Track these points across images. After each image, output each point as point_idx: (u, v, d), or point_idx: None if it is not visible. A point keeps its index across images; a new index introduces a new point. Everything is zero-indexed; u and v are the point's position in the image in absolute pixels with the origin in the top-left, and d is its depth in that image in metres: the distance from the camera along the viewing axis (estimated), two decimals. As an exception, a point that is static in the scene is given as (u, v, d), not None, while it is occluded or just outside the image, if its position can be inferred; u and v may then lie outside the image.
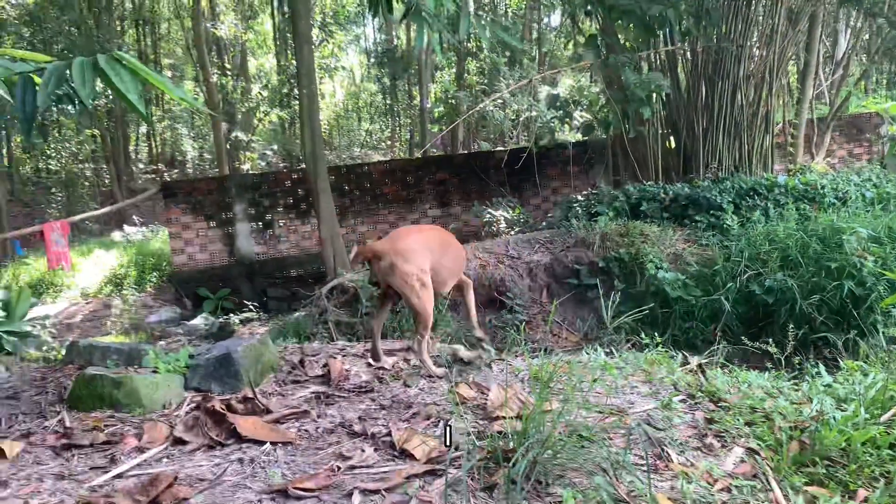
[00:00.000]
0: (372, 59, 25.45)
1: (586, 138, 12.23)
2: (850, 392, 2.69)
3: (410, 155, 23.31)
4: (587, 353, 3.50)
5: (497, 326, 6.66)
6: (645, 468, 2.08)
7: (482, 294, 7.05)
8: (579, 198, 9.28)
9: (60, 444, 2.42)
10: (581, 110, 11.51)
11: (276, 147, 26.41)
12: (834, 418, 2.42)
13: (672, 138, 10.02)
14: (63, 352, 3.44)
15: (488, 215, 10.94)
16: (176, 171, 26.10)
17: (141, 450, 2.37)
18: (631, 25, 8.54)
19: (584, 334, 6.54)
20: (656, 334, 4.01)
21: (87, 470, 2.23)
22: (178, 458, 2.33)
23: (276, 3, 22.43)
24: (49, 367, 3.47)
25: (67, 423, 2.58)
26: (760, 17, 9.29)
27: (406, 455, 2.28)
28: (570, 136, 13.15)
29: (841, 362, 3.39)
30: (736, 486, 2.04)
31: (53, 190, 21.64)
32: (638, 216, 7.95)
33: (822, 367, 3.06)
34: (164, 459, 2.33)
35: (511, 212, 11.17)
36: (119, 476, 2.17)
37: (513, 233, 9.53)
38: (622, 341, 5.49)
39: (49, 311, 9.98)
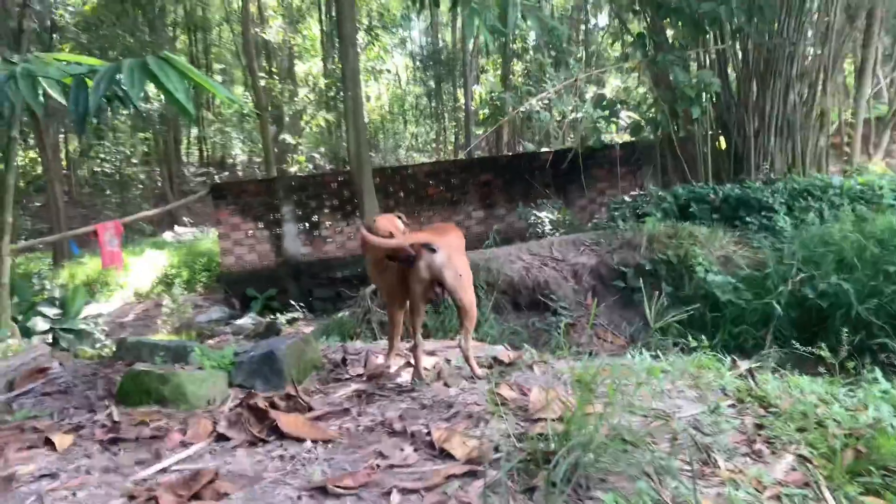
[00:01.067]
0: (417, 62, 25.59)
1: (634, 139, 12.07)
2: (911, 399, 2.58)
3: (455, 157, 23.36)
4: (632, 356, 3.44)
5: (540, 329, 6.61)
6: (690, 474, 2.03)
7: (525, 297, 7.01)
8: (626, 199, 9.16)
9: (108, 438, 2.48)
10: (628, 110, 11.37)
11: (322, 150, 26.81)
12: (892, 426, 2.33)
13: (722, 138, 9.83)
14: (114, 348, 3.53)
15: (533, 217, 10.89)
16: (226, 173, 26.69)
17: (185, 445, 2.41)
18: (680, 23, 8.39)
19: (629, 337, 6.44)
20: (704, 338, 3.92)
21: (132, 464, 2.28)
22: (221, 454, 2.37)
23: (323, 7, 22.74)
24: (100, 364, 3.56)
25: (115, 418, 2.65)
26: (815, 14, 9.03)
27: (446, 455, 2.27)
28: (616, 137, 13.00)
29: (900, 369, 3.25)
30: (786, 495, 1.97)
31: (108, 192, 22.36)
32: (687, 218, 7.81)
33: (879, 372, 2.95)
34: (207, 455, 2.36)
35: (556, 213, 11.09)
36: (163, 471, 2.22)
37: (558, 235, 9.45)
38: (669, 345, 5.39)
39: (102, 309, 10.32)
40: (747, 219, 7.48)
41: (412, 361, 3.45)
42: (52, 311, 7.68)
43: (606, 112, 10.34)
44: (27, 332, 6.78)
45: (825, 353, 3.42)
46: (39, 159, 18.94)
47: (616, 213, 8.47)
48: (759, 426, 2.51)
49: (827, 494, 1.99)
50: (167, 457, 2.32)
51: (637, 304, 6.74)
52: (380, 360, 3.56)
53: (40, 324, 7.31)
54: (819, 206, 7.31)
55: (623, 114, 11.12)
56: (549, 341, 6.36)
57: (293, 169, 22.77)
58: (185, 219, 20.25)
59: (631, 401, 2.67)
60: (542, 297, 6.94)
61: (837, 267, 6.02)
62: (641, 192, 9.38)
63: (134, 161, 23.39)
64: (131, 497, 1.99)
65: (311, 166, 24.47)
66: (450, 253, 3.09)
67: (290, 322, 9.66)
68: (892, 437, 2.23)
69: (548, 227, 10.56)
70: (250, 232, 12.33)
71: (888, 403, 2.59)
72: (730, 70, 9.45)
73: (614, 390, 2.56)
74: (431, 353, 3.68)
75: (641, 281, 6.54)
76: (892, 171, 10.61)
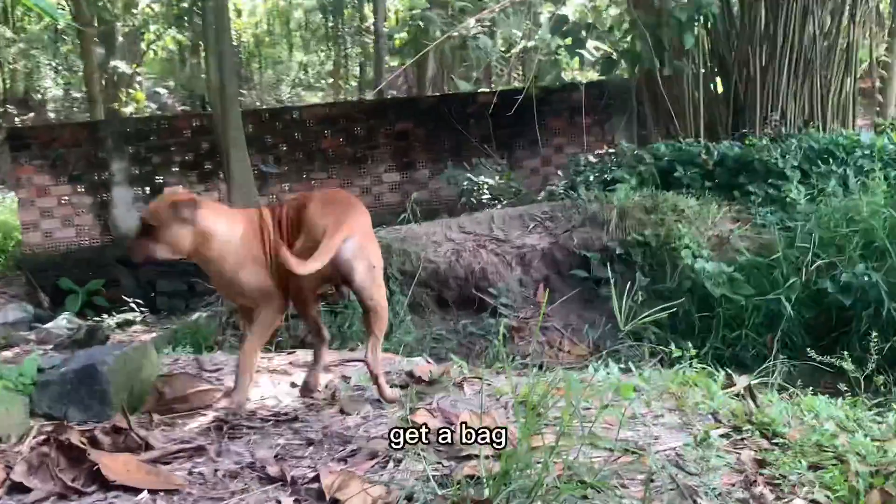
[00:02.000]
0: (308, -38, 25.24)
1: (603, 78, 12.23)
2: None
3: (360, 97, 23.19)
4: (595, 370, 3.50)
5: (474, 334, 6.66)
6: (670, 527, 2.08)
7: (454, 290, 7.05)
8: (591, 159, 9.30)
9: None
10: (597, 39, 11.52)
11: (171, 84, 26.10)
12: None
13: (719, 80, 10.05)
14: None
15: (466, 181, 10.92)
16: (30, 114, 25.69)
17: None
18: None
19: (593, 345, 6.55)
20: (690, 345, 4.03)
21: None
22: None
23: None
24: None
25: None
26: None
27: (339, 508, 2.25)
28: (580, 75, 13.18)
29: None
30: (794, 553, 2.05)
31: None
32: (670, 185, 7.98)
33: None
34: (-4, 514, 2.27)
35: (498, 177, 11.15)
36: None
37: (500, 206, 9.53)
38: (645, 355, 5.50)
39: None
40: (749, 187, 7.69)
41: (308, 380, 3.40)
42: None
43: (568, 40, 10.43)
44: None
45: (847, 366, 3.57)
46: None
47: (577, 179, 8.57)
48: (761, 462, 2.60)
49: (846, 550, 2.08)
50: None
51: (603, 300, 6.86)
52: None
53: None
54: (843, 172, 7.58)
55: (590, 44, 11.26)
56: (485, 350, 6.42)
57: (128, 109, 22.11)
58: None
59: (593, 430, 2.72)
60: (478, 292, 6.99)
61: (865, 253, 6.27)
62: (611, 151, 9.53)
63: None
64: None
65: (153, 106, 23.82)
66: (361, 239, 3.09)
67: (123, 325, 9.42)
68: (928, 475, 2.34)
69: (486, 196, 10.61)
70: (65, 198, 11.92)
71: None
72: (731, -12, 9.69)
73: (570, 416, 2.60)
74: (325, 368, 3.66)
75: (609, 269, 6.66)
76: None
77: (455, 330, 6.79)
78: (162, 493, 2.37)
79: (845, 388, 3.91)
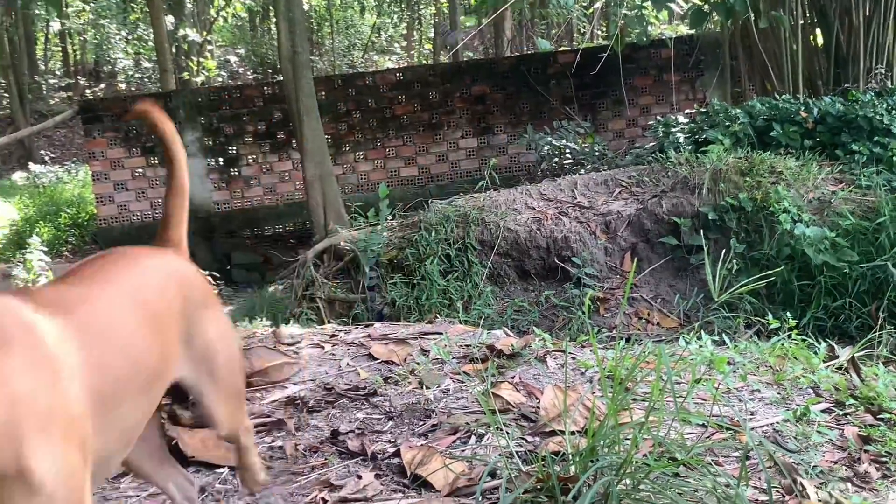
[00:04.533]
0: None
1: (693, 32, 11.98)
2: None
3: (435, 60, 23.16)
4: (687, 343, 3.47)
5: (557, 306, 6.66)
6: (768, 506, 2.07)
7: (536, 260, 7.04)
8: (681, 119, 9.14)
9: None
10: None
11: (241, 51, 26.47)
12: None
13: (819, 31, 9.79)
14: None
15: (547, 146, 10.86)
16: (101, 86, 26.34)
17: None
18: None
19: (684, 316, 6.50)
20: (789, 316, 3.96)
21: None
22: (98, 487, 2.37)
23: None
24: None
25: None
26: None
27: (420, 483, 2.31)
28: (669, 29, 12.92)
29: None
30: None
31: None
32: (767, 145, 7.82)
33: None
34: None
35: (581, 141, 11.06)
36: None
37: (583, 171, 9.45)
38: (740, 326, 5.45)
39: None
40: (853, 146, 7.51)
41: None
42: None
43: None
44: None
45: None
46: None
47: (666, 141, 8.45)
48: (866, 439, 2.56)
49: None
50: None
51: (694, 269, 6.80)
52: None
53: None
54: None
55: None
56: (569, 323, 6.42)
57: (199, 79, 22.51)
58: (43, 152, 20.05)
59: (685, 405, 2.71)
60: (560, 261, 6.97)
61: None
62: (702, 110, 9.36)
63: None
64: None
65: (225, 75, 24.20)
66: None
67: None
68: None
69: (569, 161, 10.55)
70: (138, 171, 12.21)
71: None
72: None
73: (660, 391, 2.59)
74: (401, 342, 3.70)
75: (702, 236, 6.57)
76: None
77: (537, 301, 6.79)
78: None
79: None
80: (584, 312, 6.02)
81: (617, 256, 7.18)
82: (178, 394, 1.97)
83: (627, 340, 4.26)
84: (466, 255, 6.89)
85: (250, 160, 12.64)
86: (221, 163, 12.50)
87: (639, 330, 6.36)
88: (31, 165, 18.30)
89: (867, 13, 9.17)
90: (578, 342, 3.89)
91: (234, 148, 12.56)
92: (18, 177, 17.74)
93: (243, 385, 2.09)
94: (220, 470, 2.44)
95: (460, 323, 5.12)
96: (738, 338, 4.32)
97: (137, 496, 2.39)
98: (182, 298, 1.83)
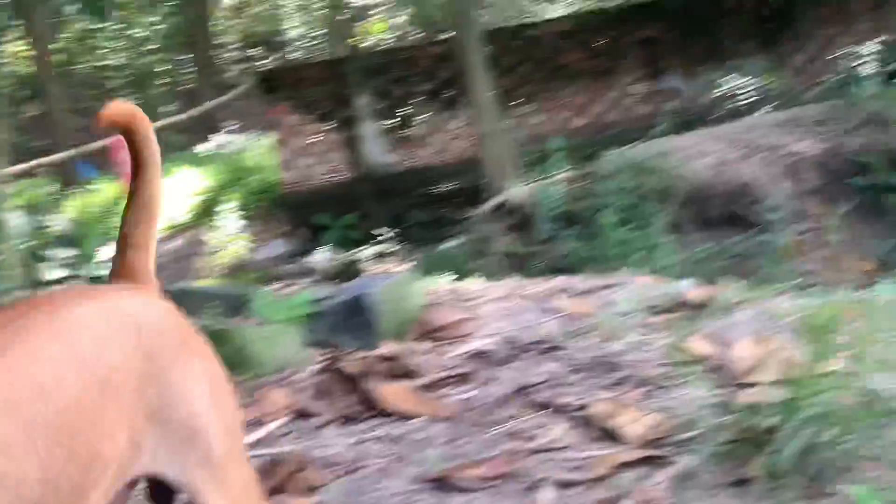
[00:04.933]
0: None
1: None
2: None
3: (601, 5, 22.67)
4: (888, 288, 3.31)
5: (741, 255, 6.46)
6: None
7: (718, 206, 6.85)
8: (870, 49, 8.67)
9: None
10: None
11: (408, 13, 26.63)
12: None
13: None
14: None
15: (725, 86, 10.54)
16: (274, 55, 27.15)
17: (255, 424, 2.57)
18: None
19: (880, 261, 6.21)
20: None
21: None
22: (304, 435, 2.51)
23: None
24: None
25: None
26: None
27: (611, 436, 2.31)
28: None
29: None
30: None
31: (121, 92, 23.31)
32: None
33: None
34: (286, 436, 2.51)
35: (761, 79, 10.68)
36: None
37: (764, 111, 9.14)
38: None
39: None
40: None
41: None
42: (63, 255, 8.23)
43: None
44: (34, 283, 7.33)
45: None
46: (28, 54, 19.94)
47: (854, 74, 8.05)
48: None
49: None
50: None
51: (890, 209, 6.48)
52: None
53: (50, 271, 7.87)
54: None
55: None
56: (756, 271, 6.22)
57: (368, 43, 22.87)
58: (226, 123, 20.86)
59: (888, 355, 2.59)
60: (744, 207, 6.78)
61: None
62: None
63: (150, 47, 24.16)
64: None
65: (390, 38, 24.47)
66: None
67: (378, 257, 9.88)
68: None
69: (748, 101, 10.22)
70: (315, 136, 12.57)
71: None
72: None
73: (864, 339, 2.49)
74: (585, 294, 3.69)
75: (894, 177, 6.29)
76: None
77: (720, 250, 6.61)
78: (436, 419, 2.52)
79: None
80: (773, 260, 5.85)
81: (803, 199, 6.93)
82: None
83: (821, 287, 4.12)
84: (643, 204, 6.78)
85: (420, 120, 12.80)
86: (392, 125, 12.71)
87: (831, 276, 6.11)
88: (216, 136, 19.11)
89: None
90: (769, 290, 3.76)
91: (404, 109, 12.74)
92: (205, 147, 18.58)
93: (251, 469, 1.46)
94: (416, 422, 2.51)
95: (645, 274, 5.05)
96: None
97: None
98: (143, 355, 1.23)
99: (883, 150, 6.76)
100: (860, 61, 8.46)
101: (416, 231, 11.62)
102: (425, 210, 11.95)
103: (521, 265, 6.89)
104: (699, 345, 2.89)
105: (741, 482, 2.00)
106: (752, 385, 2.49)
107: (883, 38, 9.89)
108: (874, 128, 6.98)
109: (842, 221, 6.61)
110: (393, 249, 10.25)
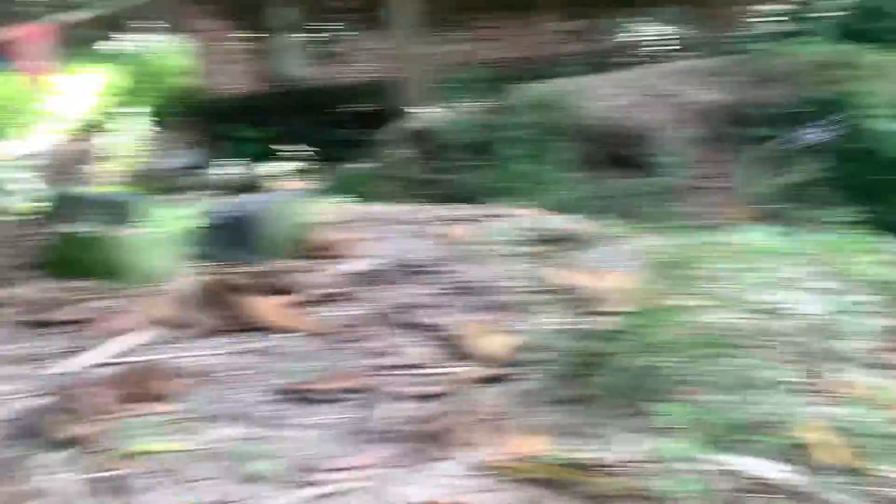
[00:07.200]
0: None
1: None
2: None
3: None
4: (748, 232, 3.47)
5: (639, 195, 6.60)
6: (796, 387, 2.13)
7: (621, 148, 6.94)
8: (775, 8, 8.84)
9: (26, 319, 2.72)
10: None
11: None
12: None
13: None
14: (44, 204, 3.75)
15: (647, 31, 10.66)
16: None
17: (128, 331, 2.62)
18: None
19: (759, 208, 6.41)
20: (861, 209, 3.92)
21: (57, 353, 2.50)
22: (175, 345, 2.57)
23: None
24: (27, 224, 3.78)
25: (36, 295, 2.88)
26: None
27: (467, 355, 2.42)
28: None
29: None
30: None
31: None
32: (868, 39, 7.51)
33: None
34: (157, 345, 2.57)
35: (675, 28, 10.82)
36: (103, 365, 2.43)
37: (681, 59, 9.28)
38: (816, 218, 5.36)
39: (25, 149, 10.54)
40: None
41: None
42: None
43: None
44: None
45: None
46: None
47: (759, 31, 8.23)
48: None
49: None
50: (103, 345, 2.54)
51: (779, 159, 6.68)
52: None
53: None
54: None
55: None
56: (649, 209, 6.39)
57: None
58: (138, 22, 20.17)
59: (734, 293, 2.75)
60: (645, 150, 6.91)
61: None
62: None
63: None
64: (51, 394, 2.19)
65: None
66: None
67: (287, 174, 9.78)
68: None
69: (668, 48, 10.34)
70: (234, 45, 12.27)
71: None
72: None
73: (713, 277, 2.63)
74: (472, 221, 3.79)
75: (790, 128, 6.48)
76: None
77: (619, 189, 6.75)
78: (307, 334, 2.60)
79: None
80: (660, 201, 6.00)
81: (703, 146, 7.08)
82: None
83: (698, 228, 4.28)
84: (547, 140, 6.86)
85: (343, 37, 12.59)
86: (315, 39, 12.48)
87: (718, 218, 6.30)
88: (127, 35, 18.40)
89: None
90: (649, 229, 3.89)
91: (327, 24, 12.51)
92: (115, 46, 17.86)
93: None
94: (288, 336, 2.58)
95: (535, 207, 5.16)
96: (806, 229, 4.28)
97: None
98: None
99: (780, 105, 6.92)
100: (771, 19, 8.62)
101: (329, 149, 11.52)
102: (341, 128, 11.83)
103: (425, 190, 6.94)
104: (566, 275, 2.99)
105: (576, 400, 2.11)
106: (606, 314, 2.62)
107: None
108: (774, 83, 7.13)
109: (731, 169, 6.78)
110: (303, 167, 10.16)
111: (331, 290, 2.95)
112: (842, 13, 7.87)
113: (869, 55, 7.00)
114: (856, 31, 7.69)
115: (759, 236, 3.41)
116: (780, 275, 2.94)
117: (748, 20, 8.79)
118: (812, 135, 6.52)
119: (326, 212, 4.12)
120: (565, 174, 6.62)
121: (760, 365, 2.22)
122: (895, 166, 6.05)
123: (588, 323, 2.55)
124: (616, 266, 3.07)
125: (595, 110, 7.02)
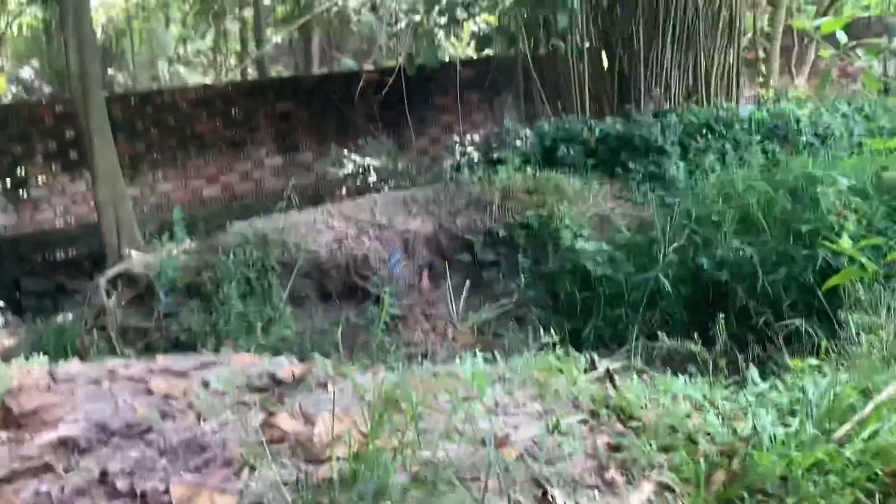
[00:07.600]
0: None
1: (490, 54, 12.32)
2: (797, 401, 2.91)
3: (241, 76, 22.81)
4: (464, 361, 3.58)
5: (358, 325, 6.70)
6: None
7: (337, 280, 7.07)
8: (476, 138, 9.40)
9: None
10: (479, 15, 11.63)
11: (37, 65, 25.12)
12: (772, 437, 2.60)
13: (604, 54, 10.27)
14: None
15: (351, 164, 10.94)
16: None
17: None
18: None
19: (478, 331, 6.65)
20: (559, 329, 4.16)
21: None
22: None
23: None
24: None
25: None
26: None
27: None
28: (460, 50, 13.26)
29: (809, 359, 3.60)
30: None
31: None
32: (555, 164, 8.15)
33: (754, 371, 3.28)
34: None
35: (385, 159, 11.20)
36: None
37: (386, 190, 9.59)
38: (528, 338, 5.63)
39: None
40: (630, 164, 7.94)
41: None
42: None
43: (445, 17, 10.51)
44: None
45: (696, 348, 3.75)
46: None
47: (462, 160, 8.69)
48: (615, 448, 2.71)
49: (686, 532, 2.22)
50: None
51: (488, 284, 6.99)
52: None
53: None
54: (721, 147, 7.90)
55: (473, 20, 11.37)
56: (369, 342, 6.46)
57: (-13, 95, 21.29)
58: None
59: (453, 424, 2.81)
60: (360, 281, 7.03)
61: (741, 227, 6.54)
62: (496, 130, 9.69)
63: None
64: None
65: (15, 89, 22.95)
66: None
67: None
68: (771, 452, 2.49)
69: (374, 178, 10.66)
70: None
71: (773, 408, 2.89)
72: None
73: (432, 410, 2.68)
74: (181, 374, 3.65)
75: (494, 253, 6.80)
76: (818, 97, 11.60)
77: (337, 322, 6.78)
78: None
79: (723, 365, 4.11)
80: (382, 331, 6.09)
81: (415, 274, 7.30)
82: None
83: (423, 357, 4.37)
84: (266, 277, 6.83)
85: (41, 181, 12.08)
86: (9, 184, 11.88)
87: (437, 345, 6.47)
88: None
89: (646, 38, 9.67)
90: (362, 366, 3.93)
91: (23, 168, 11.97)
92: None
93: None
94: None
95: (253, 350, 5.09)
96: (525, 350, 4.49)
97: None
98: None
99: (483, 231, 7.29)
100: (467, 148, 9.12)
101: (31, 300, 10.85)
102: (42, 278, 11.20)
103: (139, 339, 6.66)
104: (287, 422, 2.96)
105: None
106: (328, 460, 2.59)
107: (489, 129, 10.84)
108: (476, 210, 7.50)
109: (448, 295, 7.01)
110: (3, 322, 9.50)
111: (32, 464, 2.71)
112: (538, 139, 8.46)
113: (562, 179, 7.56)
114: (551, 156, 8.30)
115: (471, 364, 3.53)
116: (494, 401, 3.05)
117: (457, 150, 9.24)
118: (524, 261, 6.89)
119: (25, 374, 3.84)
120: (288, 310, 6.59)
121: (486, 497, 2.27)
122: (598, 282, 6.50)
123: (312, 473, 2.50)
124: (336, 407, 3.06)
125: (310, 244, 7.09)
